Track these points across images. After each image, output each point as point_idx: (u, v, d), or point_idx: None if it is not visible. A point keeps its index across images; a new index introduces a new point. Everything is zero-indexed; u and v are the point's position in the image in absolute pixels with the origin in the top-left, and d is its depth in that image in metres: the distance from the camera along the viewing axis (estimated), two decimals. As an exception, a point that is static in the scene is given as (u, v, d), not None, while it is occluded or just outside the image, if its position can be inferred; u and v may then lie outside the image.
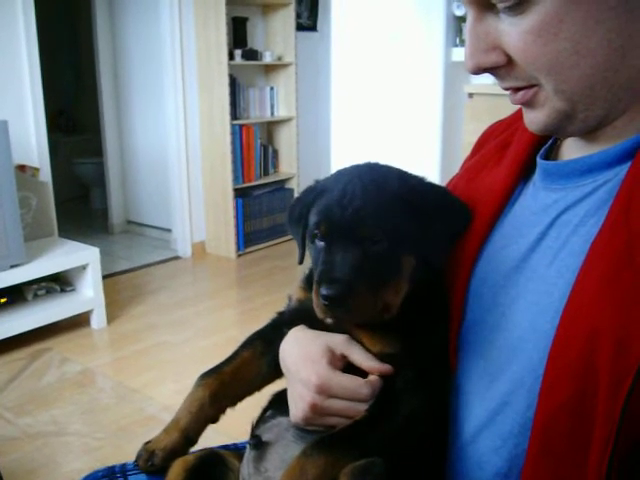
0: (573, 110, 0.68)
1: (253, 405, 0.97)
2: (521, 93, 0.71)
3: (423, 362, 0.82)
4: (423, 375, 0.81)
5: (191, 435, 0.93)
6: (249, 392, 0.96)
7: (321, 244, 0.81)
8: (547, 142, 0.82)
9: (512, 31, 0.66)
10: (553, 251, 0.72)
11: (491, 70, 0.70)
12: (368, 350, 0.82)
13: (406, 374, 0.81)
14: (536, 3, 0.63)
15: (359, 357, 0.82)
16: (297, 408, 0.84)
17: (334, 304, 0.75)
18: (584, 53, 0.64)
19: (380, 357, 0.82)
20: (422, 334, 0.83)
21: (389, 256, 0.78)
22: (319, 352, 0.83)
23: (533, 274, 0.73)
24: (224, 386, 0.93)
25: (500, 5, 0.65)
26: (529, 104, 0.71)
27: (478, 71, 0.70)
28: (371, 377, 0.81)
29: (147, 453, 0.94)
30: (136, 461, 0.95)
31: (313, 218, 0.83)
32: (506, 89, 0.73)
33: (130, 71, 5.22)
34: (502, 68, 0.69)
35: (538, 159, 0.80)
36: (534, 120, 0.72)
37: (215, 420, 0.95)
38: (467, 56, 0.70)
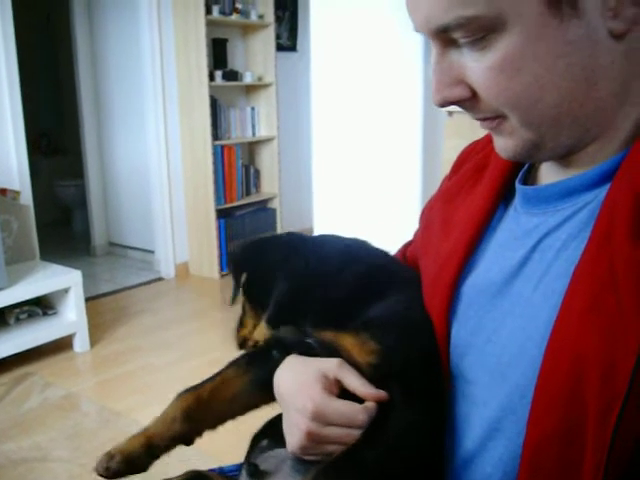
0: (541, 139, 0.68)
1: (240, 429, 0.95)
2: (487, 121, 0.71)
3: (410, 374, 0.79)
4: (414, 391, 0.78)
5: (155, 445, 0.89)
6: (231, 414, 0.92)
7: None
8: (524, 165, 0.82)
9: (475, 66, 0.65)
10: (537, 275, 0.71)
11: (457, 103, 0.70)
12: (357, 362, 0.80)
13: (396, 390, 0.77)
14: (497, 40, 0.63)
15: (353, 382, 0.79)
16: (293, 437, 0.81)
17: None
18: (548, 87, 0.64)
19: (370, 368, 0.79)
20: (399, 337, 0.81)
21: None
22: (313, 378, 0.80)
23: (519, 298, 0.72)
24: (201, 403, 0.89)
25: (462, 40, 0.65)
26: (497, 132, 0.71)
27: (445, 104, 0.70)
28: (367, 403, 0.78)
29: (106, 457, 0.88)
30: (95, 467, 0.88)
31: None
32: (476, 119, 0.73)
33: (111, 93, 5.22)
34: (467, 101, 0.69)
35: (517, 184, 0.80)
36: (503, 147, 0.72)
37: (188, 441, 0.90)
38: (434, 90, 0.70)
